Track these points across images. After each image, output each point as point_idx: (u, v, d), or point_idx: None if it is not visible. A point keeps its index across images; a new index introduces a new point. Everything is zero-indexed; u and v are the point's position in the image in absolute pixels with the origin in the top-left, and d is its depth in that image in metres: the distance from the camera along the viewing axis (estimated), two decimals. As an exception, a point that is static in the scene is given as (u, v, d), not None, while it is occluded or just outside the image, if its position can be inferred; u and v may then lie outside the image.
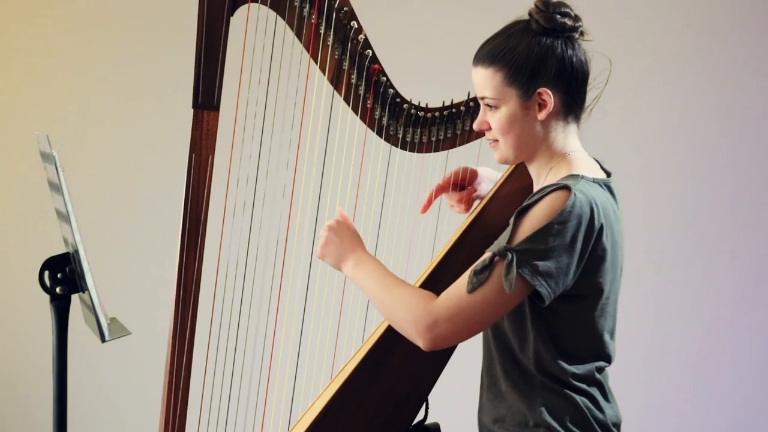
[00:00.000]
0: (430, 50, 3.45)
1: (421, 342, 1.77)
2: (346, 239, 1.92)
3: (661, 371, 3.63)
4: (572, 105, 1.83)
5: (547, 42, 1.80)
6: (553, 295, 1.73)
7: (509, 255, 1.70)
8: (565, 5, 1.83)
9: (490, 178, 2.16)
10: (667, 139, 3.59)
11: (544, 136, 1.84)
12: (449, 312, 1.74)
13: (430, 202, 2.13)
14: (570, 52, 1.81)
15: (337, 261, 1.91)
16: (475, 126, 1.90)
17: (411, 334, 1.78)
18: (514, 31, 1.83)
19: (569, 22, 1.81)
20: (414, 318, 1.76)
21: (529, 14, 1.83)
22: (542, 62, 1.79)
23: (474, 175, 2.14)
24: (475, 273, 1.72)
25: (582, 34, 1.84)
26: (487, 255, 1.73)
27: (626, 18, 3.56)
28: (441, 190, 2.14)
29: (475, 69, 1.86)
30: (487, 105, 1.85)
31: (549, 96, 1.80)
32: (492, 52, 1.83)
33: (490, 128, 1.86)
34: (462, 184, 2.14)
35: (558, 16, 1.80)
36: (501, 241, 1.74)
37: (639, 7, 3.56)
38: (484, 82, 1.84)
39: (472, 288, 1.72)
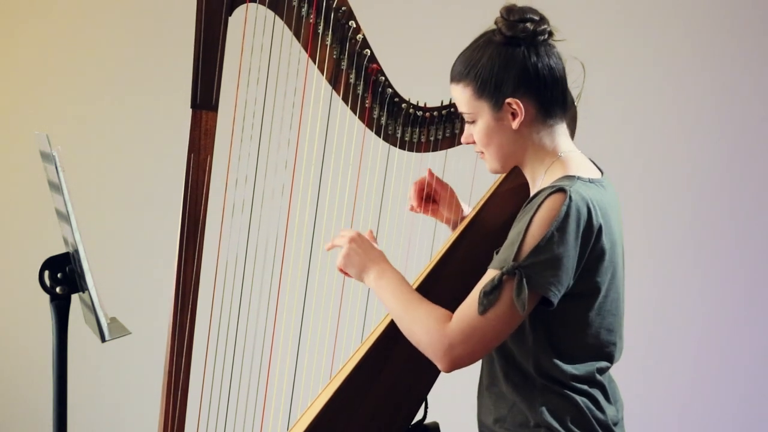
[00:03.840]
0: (429, 50, 3.45)
1: (439, 365, 1.78)
2: (369, 250, 1.93)
3: (661, 371, 3.62)
4: (549, 108, 1.83)
5: (508, 51, 1.80)
6: (559, 298, 1.74)
7: (518, 274, 1.70)
8: (529, 10, 1.82)
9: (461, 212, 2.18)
10: (667, 139, 3.59)
11: (527, 142, 1.84)
12: (463, 335, 1.74)
13: (419, 197, 2.15)
14: (534, 58, 1.80)
15: (360, 272, 1.92)
16: (462, 140, 1.93)
17: (429, 356, 1.80)
18: (479, 44, 1.84)
19: (531, 27, 1.80)
20: (431, 342, 1.77)
21: (495, 23, 1.84)
22: (506, 73, 1.80)
23: (450, 202, 2.15)
24: (485, 294, 1.72)
25: (550, 35, 1.84)
26: (495, 274, 1.73)
27: (626, 17, 3.56)
28: (422, 184, 2.14)
29: (450, 85, 1.88)
30: (467, 119, 1.87)
31: (518, 105, 1.80)
32: (460, 68, 1.85)
33: (475, 141, 1.88)
34: (434, 197, 2.16)
35: (519, 24, 1.80)
36: (505, 256, 1.74)
37: (638, 7, 3.56)
38: (458, 97, 1.86)
39: (484, 310, 1.72)
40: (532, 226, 1.72)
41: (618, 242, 1.84)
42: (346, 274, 1.95)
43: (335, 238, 1.97)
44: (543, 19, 1.83)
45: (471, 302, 1.75)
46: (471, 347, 1.75)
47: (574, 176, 1.79)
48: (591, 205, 1.74)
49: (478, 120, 1.84)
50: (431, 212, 2.19)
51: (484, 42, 1.83)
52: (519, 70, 1.80)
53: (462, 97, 1.85)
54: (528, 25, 1.80)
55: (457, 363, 1.77)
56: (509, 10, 1.82)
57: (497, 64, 1.80)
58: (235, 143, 1.98)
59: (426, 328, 1.78)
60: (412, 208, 2.17)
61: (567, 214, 1.71)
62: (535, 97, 1.81)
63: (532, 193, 1.86)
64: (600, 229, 1.75)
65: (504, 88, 1.80)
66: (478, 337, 1.74)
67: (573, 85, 1.91)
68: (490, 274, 1.74)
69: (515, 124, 1.82)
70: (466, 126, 1.88)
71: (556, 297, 1.72)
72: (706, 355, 3.61)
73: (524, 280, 1.69)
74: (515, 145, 1.84)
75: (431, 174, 2.14)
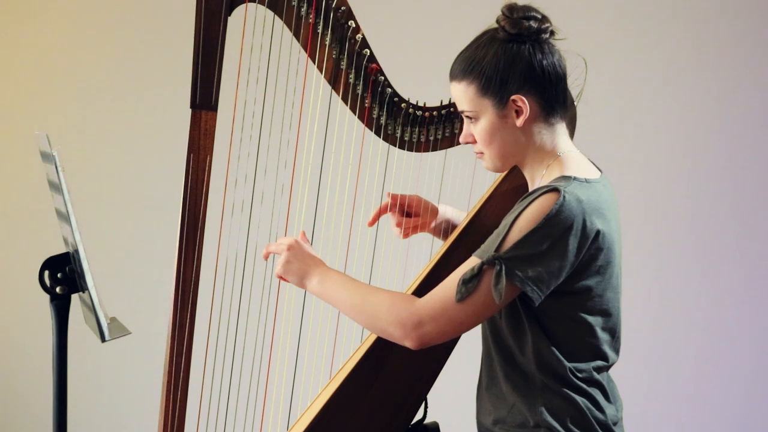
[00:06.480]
0: (428, 49, 3.45)
1: (408, 342, 1.78)
2: (308, 256, 1.92)
3: (661, 371, 3.63)
4: (551, 106, 1.83)
5: (514, 48, 1.80)
6: (543, 297, 1.74)
7: (497, 265, 1.71)
8: (531, 9, 1.82)
9: (453, 217, 2.19)
10: (667, 138, 3.59)
11: (529, 140, 1.84)
12: (434, 313, 1.75)
13: (375, 219, 2.16)
14: (539, 55, 1.80)
15: (301, 278, 1.91)
16: (461, 140, 1.92)
17: (396, 335, 1.79)
18: (482, 42, 1.83)
19: (535, 25, 1.80)
20: (399, 320, 1.78)
21: (497, 21, 1.83)
22: (511, 69, 1.79)
23: (425, 208, 2.16)
24: (464, 282, 1.73)
25: (552, 34, 1.84)
26: (475, 263, 1.73)
27: (625, 17, 3.56)
28: (386, 209, 2.16)
29: (451, 84, 1.87)
30: (468, 118, 1.86)
31: (524, 102, 1.80)
32: (463, 66, 1.84)
33: (475, 141, 1.87)
34: (408, 211, 2.17)
35: (524, 21, 1.80)
36: (489, 246, 1.75)
37: (637, 6, 3.56)
38: (460, 96, 1.85)
39: (461, 297, 1.73)
40: (519, 220, 1.73)
41: (616, 242, 1.84)
42: (285, 280, 1.94)
43: (270, 246, 1.96)
44: (545, 18, 1.83)
45: (449, 285, 1.75)
46: (441, 327, 1.76)
47: (570, 177, 1.78)
48: (585, 206, 1.74)
49: (481, 118, 1.84)
50: (418, 229, 2.19)
51: (487, 40, 1.83)
52: (525, 67, 1.80)
53: (464, 95, 1.84)
54: (532, 23, 1.81)
55: (425, 340, 1.77)
56: (511, 9, 1.82)
57: (503, 61, 1.80)
58: (234, 143, 1.98)
59: (392, 309, 1.78)
60: (402, 234, 2.18)
61: (557, 213, 1.71)
62: (539, 95, 1.81)
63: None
64: (594, 230, 1.75)
65: (509, 85, 1.80)
66: (448, 318, 1.75)
67: (574, 84, 1.91)
68: (472, 261, 1.75)
69: (520, 122, 1.81)
70: (466, 125, 1.88)
71: (535, 293, 1.72)
72: (706, 355, 3.61)
73: (503, 270, 1.70)
74: (517, 143, 1.84)
75: (392, 196, 2.15)
